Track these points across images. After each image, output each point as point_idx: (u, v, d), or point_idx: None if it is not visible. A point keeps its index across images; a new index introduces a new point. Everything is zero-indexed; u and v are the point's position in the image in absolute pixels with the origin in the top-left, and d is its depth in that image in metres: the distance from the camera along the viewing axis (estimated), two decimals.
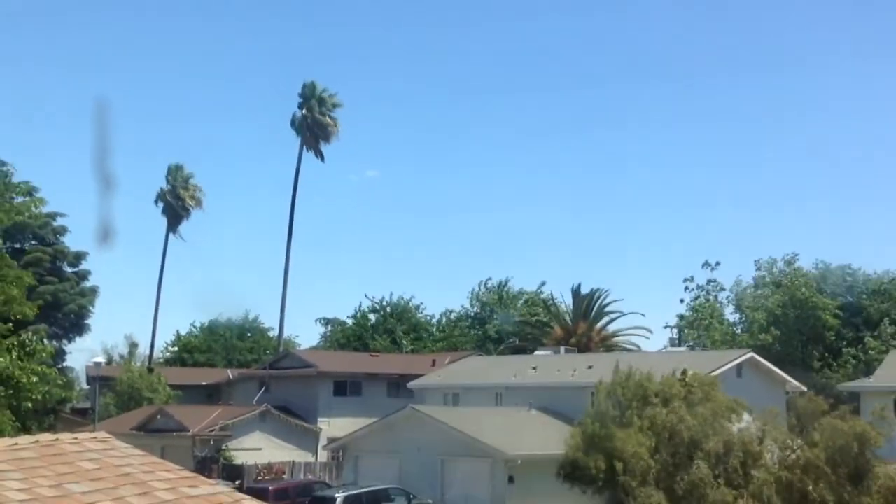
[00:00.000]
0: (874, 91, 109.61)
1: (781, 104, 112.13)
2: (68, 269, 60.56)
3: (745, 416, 30.93)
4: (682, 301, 68.56)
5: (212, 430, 48.69)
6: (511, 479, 36.85)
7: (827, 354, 61.35)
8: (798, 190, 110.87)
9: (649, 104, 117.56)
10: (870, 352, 59.42)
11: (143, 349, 74.18)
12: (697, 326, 65.94)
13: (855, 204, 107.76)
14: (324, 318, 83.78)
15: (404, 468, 39.45)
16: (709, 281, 68.91)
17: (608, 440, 29.38)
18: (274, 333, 75.75)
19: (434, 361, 57.55)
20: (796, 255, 69.20)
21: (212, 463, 46.33)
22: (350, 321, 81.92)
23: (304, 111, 70.34)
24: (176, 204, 71.50)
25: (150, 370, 62.58)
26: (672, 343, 56.20)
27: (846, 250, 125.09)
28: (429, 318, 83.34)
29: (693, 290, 68.79)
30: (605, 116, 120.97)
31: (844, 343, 61.72)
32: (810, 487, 28.03)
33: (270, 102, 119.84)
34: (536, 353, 55.73)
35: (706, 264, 68.40)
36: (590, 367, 44.84)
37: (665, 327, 69.69)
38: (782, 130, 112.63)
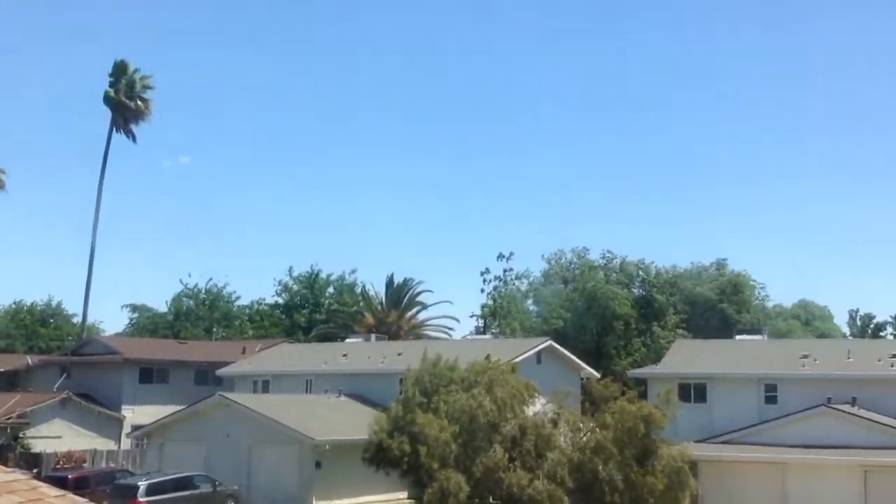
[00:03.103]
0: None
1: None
2: None
3: (541, 400, 32.09)
4: (482, 291, 70.40)
5: (8, 418, 46.51)
6: (318, 465, 36.92)
7: (621, 343, 64.40)
8: (583, 183, 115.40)
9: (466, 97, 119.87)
10: (660, 341, 62.80)
11: None
12: (499, 315, 67.83)
13: (646, 199, 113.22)
14: (131, 305, 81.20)
15: (211, 455, 38.86)
16: (505, 271, 70.96)
17: (412, 424, 29.90)
18: (78, 320, 72.76)
19: (244, 349, 56.77)
20: (586, 248, 72.30)
21: (8, 451, 44.23)
22: (160, 308, 79.83)
23: (114, 91, 67.73)
24: None
25: None
26: (477, 331, 57.59)
27: (637, 245, 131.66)
28: (241, 307, 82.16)
29: (491, 280, 70.71)
30: (420, 108, 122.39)
31: (636, 332, 64.98)
32: (600, 468, 29.36)
33: (80, 80, 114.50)
34: (347, 340, 55.98)
35: (500, 256, 70.39)
36: (399, 355, 45.50)
37: (471, 316, 71.08)
38: (581, 128, 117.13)
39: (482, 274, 69.93)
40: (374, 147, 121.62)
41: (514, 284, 70.58)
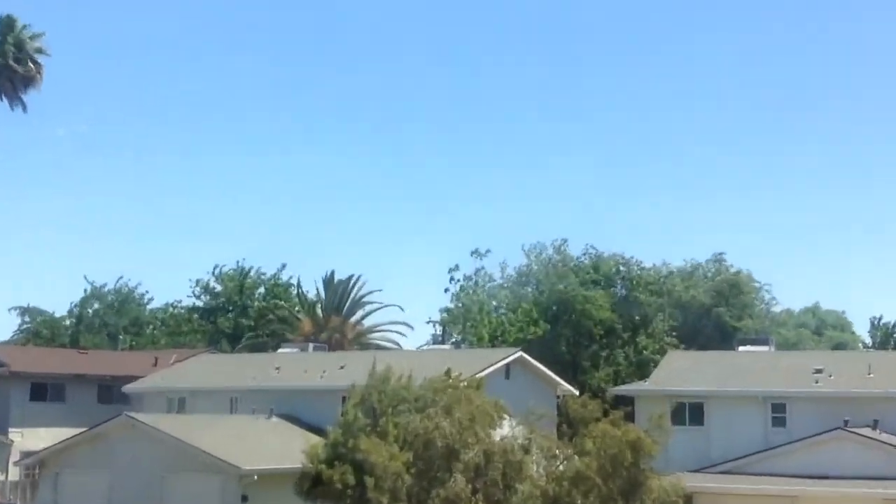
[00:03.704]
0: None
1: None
2: None
3: (511, 422, 31.94)
4: (446, 290, 69.88)
5: None
6: (245, 498, 36.55)
7: (602, 354, 64.40)
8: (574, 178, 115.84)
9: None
10: (643, 351, 62.94)
11: None
12: (464, 321, 67.57)
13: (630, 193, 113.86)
14: (20, 307, 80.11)
15: (117, 486, 38.35)
16: (477, 270, 70.43)
17: (356, 451, 29.62)
18: None
19: (157, 360, 56.62)
20: (565, 240, 72.12)
21: None
22: (57, 312, 78.91)
23: None
24: None
25: None
26: (435, 340, 57.41)
27: (619, 240, 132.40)
28: (154, 311, 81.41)
29: (460, 280, 70.21)
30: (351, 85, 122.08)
31: (620, 341, 65.02)
32: (580, 501, 29.28)
33: None
34: (280, 350, 55.66)
35: (475, 252, 69.92)
36: (342, 368, 45.29)
37: (427, 322, 70.41)
38: (549, 113, 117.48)
39: (450, 271, 69.65)
40: (312, 117, 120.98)
41: (484, 286, 70.27)
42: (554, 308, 65.33)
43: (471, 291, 69.43)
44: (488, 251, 69.79)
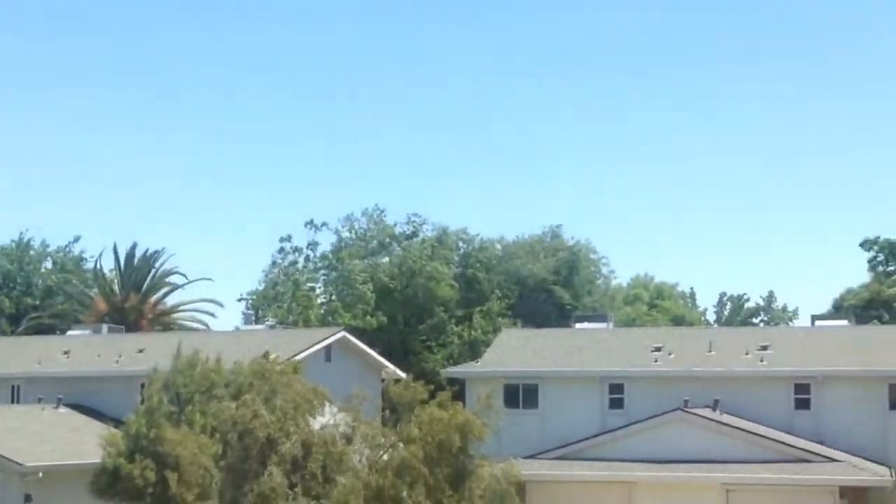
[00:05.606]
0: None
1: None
2: None
3: (331, 409, 32.13)
4: (274, 263, 69.63)
5: None
6: (28, 498, 35.93)
7: (435, 335, 65.15)
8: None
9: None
10: (474, 331, 63.96)
11: None
12: (286, 300, 67.31)
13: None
14: None
15: None
16: (309, 244, 70.21)
17: (159, 443, 29.41)
18: None
19: None
20: (382, 210, 72.01)
21: None
22: None
23: None
24: None
25: None
26: (247, 320, 57.08)
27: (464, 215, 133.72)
28: None
29: (290, 252, 70.08)
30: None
31: (454, 321, 65.92)
32: (405, 493, 29.66)
33: None
34: (70, 332, 54.75)
35: (310, 223, 69.53)
36: (141, 351, 45.08)
37: (239, 300, 69.70)
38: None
39: (281, 241, 69.35)
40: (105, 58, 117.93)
41: (313, 260, 70.28)
42: (392, 284, 65.71)
43: (300, 266, 69.32)
44: (324, 224, 69.68)
